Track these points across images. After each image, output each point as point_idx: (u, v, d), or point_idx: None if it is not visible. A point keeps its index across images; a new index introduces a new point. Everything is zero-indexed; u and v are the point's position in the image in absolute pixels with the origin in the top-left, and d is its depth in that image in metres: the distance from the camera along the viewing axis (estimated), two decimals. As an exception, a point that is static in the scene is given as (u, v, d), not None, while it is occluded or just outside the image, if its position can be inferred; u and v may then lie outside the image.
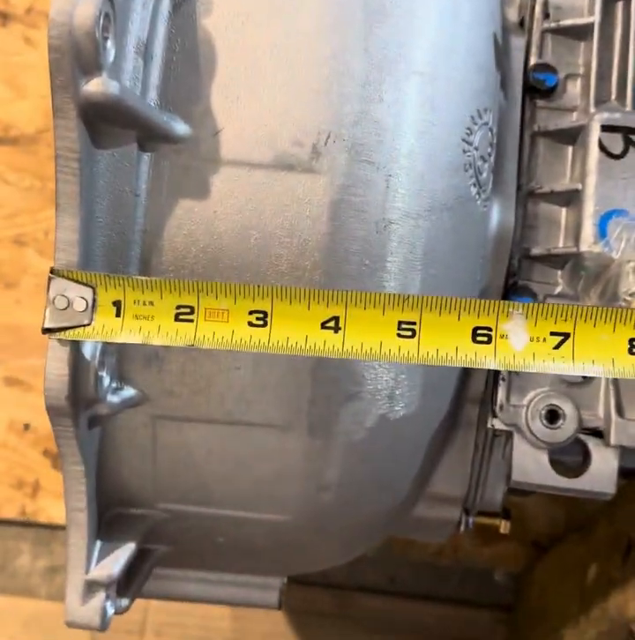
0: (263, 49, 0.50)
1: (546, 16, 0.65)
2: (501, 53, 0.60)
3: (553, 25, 0.64)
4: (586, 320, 0.45)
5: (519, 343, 0.45)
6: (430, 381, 0.57)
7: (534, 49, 0.64)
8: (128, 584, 0.60)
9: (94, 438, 0.53)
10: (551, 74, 0.63)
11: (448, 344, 0.45)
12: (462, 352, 0.45)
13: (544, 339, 0.45)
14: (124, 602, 0.60)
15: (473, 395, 0.65)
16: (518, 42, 0.65)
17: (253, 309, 0.46)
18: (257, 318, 0.46)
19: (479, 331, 0.45)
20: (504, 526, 0.72)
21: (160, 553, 0.64)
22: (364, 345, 0.46)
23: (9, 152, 1.21)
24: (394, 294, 0.46)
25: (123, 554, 0.56)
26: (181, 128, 0.49)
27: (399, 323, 0.46)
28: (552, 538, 1.08)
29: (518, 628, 1.05)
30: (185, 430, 0.54)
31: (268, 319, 0.46)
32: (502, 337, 0.45)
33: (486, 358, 0.45)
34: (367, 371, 0.53)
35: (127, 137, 0.48)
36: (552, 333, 0.45)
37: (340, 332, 0.46)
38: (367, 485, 0.59)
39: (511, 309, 0.45)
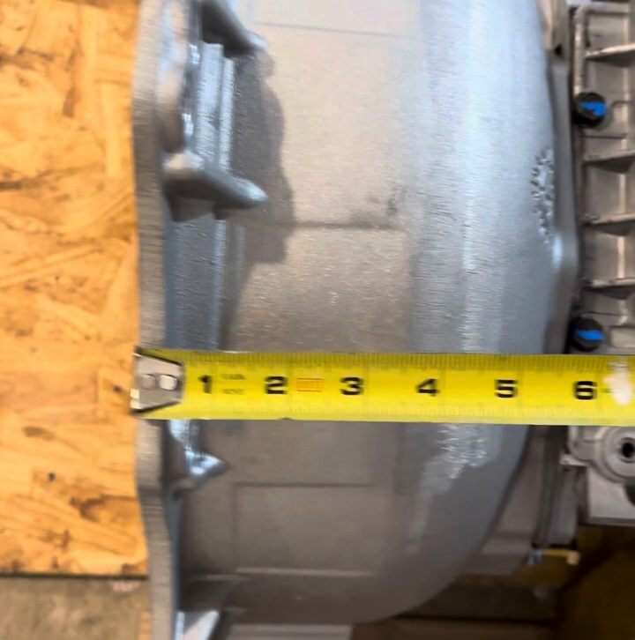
0: (330, 106, 0.49)
1: (587, 44, 0.64)
2: (553, 87, 0.60)
3: (595, 53, 0.63)
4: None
5: (623, 397, 0.44)
6: (510, 426, 0.56)
7: (578, 79, 0.63)
8: (209, 651, 0.58)
9: (177, 511, 0.52)
10: (599, 103, 0.62)
11: (550, 401, 0.44)
12: (566, 409, 0.44)
13: (651, 391, 0.44)
14: (206, 670, 0.59)
15: (538, 430, 0.64)
16: (559, 71, 0.64)
17: (346, 377, 0.45)
18: (351, 385, 0.45)
19: (581, 387, 0.44)
20: (572, 557, 0.71)
21: (236, 613, 0.62)
22: (464, 407, 0.44)
23: (12, 196, 1.18)
24: (492, 354, 0.45)
25: (206, 623, 0.55)
26: (255, 193, 0.48)
27: (498, 382, 0.44)
28: (591, 553, 1.07)
29: (567, 643, 1.05)
30: (267, 496, 0.53)
31: (362, 385, 0.45)
32: (605, 391, 0.44)
33: (591, 414, 0.44)
34: (451, 424, 0.52)
35: (203, 208, 0.46)
36: (657, 384, 0.44)
37: (438, 395, 0.45)
38: (450, 534, 0.57)
39: (612, 363, 0.44)
